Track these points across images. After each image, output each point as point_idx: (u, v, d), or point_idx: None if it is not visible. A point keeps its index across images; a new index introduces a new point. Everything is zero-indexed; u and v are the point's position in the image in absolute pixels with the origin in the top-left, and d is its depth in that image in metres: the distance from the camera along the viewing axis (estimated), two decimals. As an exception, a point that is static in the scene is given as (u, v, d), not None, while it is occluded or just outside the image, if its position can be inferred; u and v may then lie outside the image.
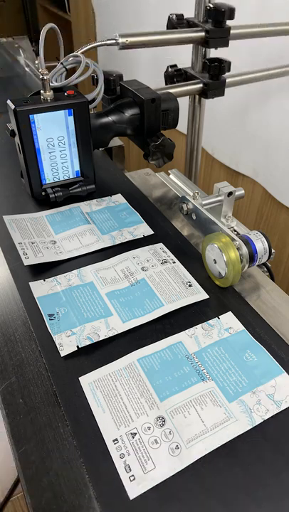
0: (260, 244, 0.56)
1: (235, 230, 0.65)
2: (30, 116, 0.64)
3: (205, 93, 0.91)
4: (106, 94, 0.77)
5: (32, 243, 0.63)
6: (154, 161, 0.75)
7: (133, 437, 0.41)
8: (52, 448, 0.41)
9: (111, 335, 0.51)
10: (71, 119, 0.68)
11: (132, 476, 0.39)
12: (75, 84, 0.70)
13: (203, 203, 0.64)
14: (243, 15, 0.87)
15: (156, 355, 0.49)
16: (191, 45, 0.91)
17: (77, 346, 0.49)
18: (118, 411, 0.43)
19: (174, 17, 0.87)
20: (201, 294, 0.56)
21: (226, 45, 0.85)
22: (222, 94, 0.93)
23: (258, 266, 0.61)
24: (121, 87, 0.77)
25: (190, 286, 0.58)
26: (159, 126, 0.75)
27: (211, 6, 0.82)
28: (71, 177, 0.73)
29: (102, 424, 0.42)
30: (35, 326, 0.52)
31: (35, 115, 0.65)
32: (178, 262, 0.61)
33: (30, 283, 0.57)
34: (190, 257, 0.63)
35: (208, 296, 0.56)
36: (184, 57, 0.96)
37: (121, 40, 0.76)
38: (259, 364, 0.48)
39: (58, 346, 0.49)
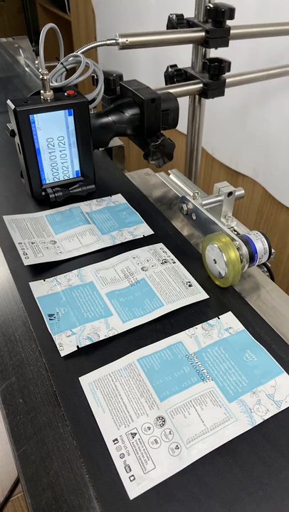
0: (260, 244, 0.56)
1: (235, 230, 0.65)
2: (30, 116, 0.64)
3: (205, 93, 0.91)
4: (106, 94, 0.77)
5: (32, 243, 0.63)
6: (154, 161, 0.75)
7: (133, 437, 0.41)
8: (52, 448, 0.41)
9: (111, 335, 0.51)
10: (71, 119, 0.68)
11: (132, 476, 0.39)
12: (75, 84, 0.70)
13: (203, 203, 0.64)
14: (243, 15, 0.87)
15: (156, 355, 0.49)
16: (191, 45, 0.91)
17: (77, 346, 0.49)
18: (118, 411, 0.43)
19: (174, 17, 0.87)
20: (201, 294, 0.56)
21: (226, 45, 0.85)
22: (222, 94, 0.93)
23: (258, 266, 0.61)
24: (121, 87, 0.77)
25: (190, 286, 0.58)
26: (159, 126, 0.75)
27: (211, 6, 0.82)
28: (71, 177, 0.73)
29: (102, 424, 0.42)
30: (35, 326, 0.52)
31: (35, 115, 0.65)
32: (178, 262, 0.61)
33: (30, 283, 0.57)
34: (190, 257, 0.63)
35: (208, 296, 0.56)
36: (184, 57, 0.96)
37: (121, 40, 0.76)
38: (259, 364, 0.48)
39: (58, 346, 0.49)
